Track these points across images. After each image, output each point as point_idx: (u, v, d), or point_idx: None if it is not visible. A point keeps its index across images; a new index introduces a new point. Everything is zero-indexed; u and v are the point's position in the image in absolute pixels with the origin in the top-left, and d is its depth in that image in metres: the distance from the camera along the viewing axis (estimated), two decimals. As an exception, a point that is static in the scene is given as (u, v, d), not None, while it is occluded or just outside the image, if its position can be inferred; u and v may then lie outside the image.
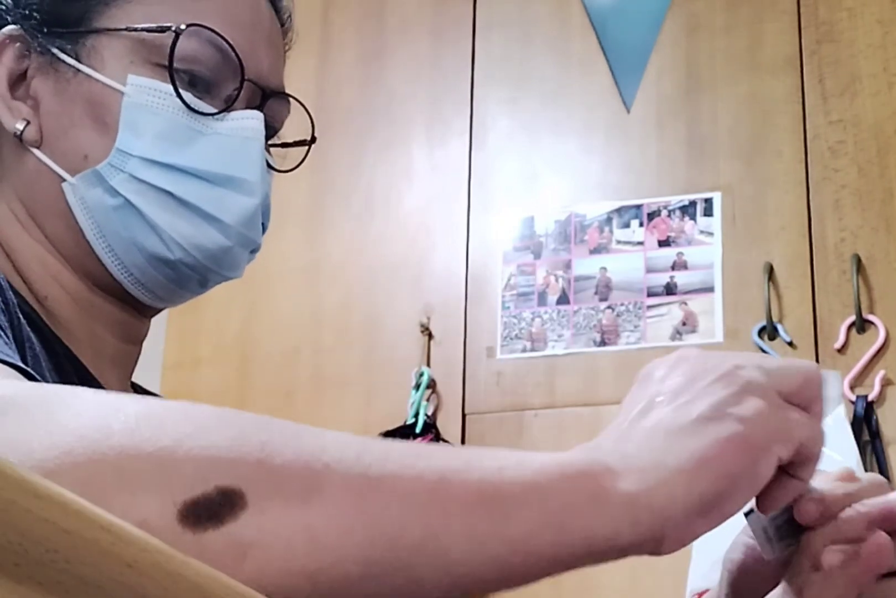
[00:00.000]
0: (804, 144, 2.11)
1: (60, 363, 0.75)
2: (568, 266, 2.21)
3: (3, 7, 0.83)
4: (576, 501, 0.48)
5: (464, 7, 2.45)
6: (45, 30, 0.81)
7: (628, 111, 2.26)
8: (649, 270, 2.15)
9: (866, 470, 1.87)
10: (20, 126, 0.80)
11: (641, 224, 2.18)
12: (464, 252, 2.29)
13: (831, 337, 1.99)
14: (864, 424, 1.91)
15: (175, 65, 0.80)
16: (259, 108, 0.84)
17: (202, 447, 0.44)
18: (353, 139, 2.45)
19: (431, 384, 2.20)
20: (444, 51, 2.44)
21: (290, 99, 0.88)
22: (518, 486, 0.47)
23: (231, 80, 0.82)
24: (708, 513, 0.51)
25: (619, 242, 2.19)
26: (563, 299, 2.18)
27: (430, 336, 2.24)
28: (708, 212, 2.15)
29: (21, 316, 0.72)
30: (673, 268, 2.14)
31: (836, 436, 1.86)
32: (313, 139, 0.93)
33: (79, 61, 0.80)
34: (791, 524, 0.63)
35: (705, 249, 2.13)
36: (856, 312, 1.97)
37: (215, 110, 0.81)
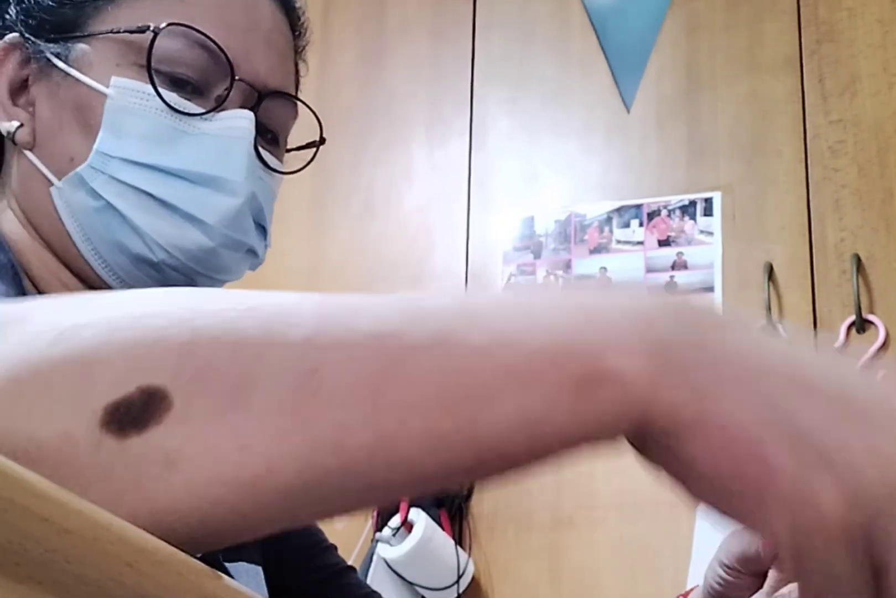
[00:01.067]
0: (804, 144, 2.11)
1: None
2: (568, 266, 2.21)
3: (7, 16, 0.84)
4: (561, 393, 0.38)
5: (464, 7, 2.45)
6: (42, 36, 0.82)
7: (628, 111, 2.26)
8: (649, 270, 2.15)
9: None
10: (12, 128, 0.81)
11: (641, 224, 2.18)
12: (464, 252, 2.29)
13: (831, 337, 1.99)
14: (864, 424, 1.91)
15: (156, 65, 0.80)
16: (254, 109, 0.83)
17: (126, 344, 0.40)
18: (353, 139, 2.45)
19: (431, 384, 2.20)
20: (444, 51, 2.44)
21: (297, 101, 0.87)
22: (494, 375, 0.39)
23: (222, 80, 0.82)
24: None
25: (619, 241, 2.19)
26: (563, 299, 2.18)
27: (430, 336, 2.24)
28: (708, 212, 2.15)
29: None
30: (673, 268, 2.14)
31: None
32: (322, 140, 0.92)
33: (69, 65, 0.81)
34: None
35: (705, 248, 2.13)
36: (856, 312, 1.97)
37: (202, 110, 0.81)
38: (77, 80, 0.80)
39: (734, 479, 0.36)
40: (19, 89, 0.83)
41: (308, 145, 0.92)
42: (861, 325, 1.97)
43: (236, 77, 0.82)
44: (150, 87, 0.79)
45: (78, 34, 0.81)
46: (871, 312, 1.98)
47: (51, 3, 0.82)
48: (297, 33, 0.90)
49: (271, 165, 0.86)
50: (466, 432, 0.38)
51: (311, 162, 0.91)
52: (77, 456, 0.38)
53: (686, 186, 2.18)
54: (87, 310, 0.42)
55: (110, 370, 0.39)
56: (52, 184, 0.80)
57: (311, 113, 0.90)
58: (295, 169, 0.90)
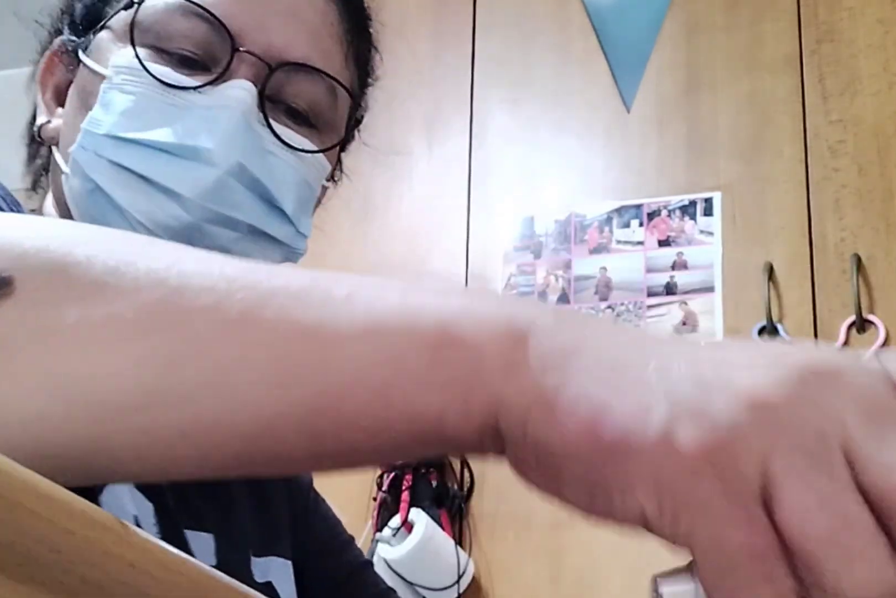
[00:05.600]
0: (804, 144, 2.11)
1: None
2: (568, 266, 2.21)
3: (54, 15, 0.84)
4: (414, 357, 0.37)
5: (464, 7, 2.45)
6: (77, 32, 0.82)
7: (628, 111, 2.26)
8: (649, 270, 2.15)
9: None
10: (39, 124, 0.81)
11: (641, 224, 2.18)
12: (464, 252, 2.29)
13: (831, 337, 1.99)
14: (864, 424, 1.91)
15: (151, 42, 0.77)
16: (265, 81, 0.78)
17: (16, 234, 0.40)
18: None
19: (431, 384, 2.20)
20: (444, 51, 2.44)
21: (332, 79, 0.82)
22: (355, 330, 0.38)
23: (227, 53, 0.78)
24: (544, 484, 0.38)
25: (619, 242, 2.19)
26: (563, 299, 2.18)
27: (430, 336, 2.24)
28: (708, 212, 2.15)
29: None
30: (673, 268, 2.14)
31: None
32: (360, 119, 0.87)
33: (88, 57, 0.80)
34: None
35: (705, 249, 2.13)
36: (856, 312, 1.97)
37: (197, 84, 0.77)
38: (89, 68, 0.79)
39: (595, 452, 0.35)
40: (65, 91, 0.82)
41: (348, 128, 0.88)
42: (861, 325, 1.97)
43: (240, 48, 0.77)
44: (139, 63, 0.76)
45: (99, 25, 0.80)
46: (871, 312, 1.98)
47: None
48: (356, 14, 0.87)
49: (291, 143, 0.80)
50: (312, 375, 0.37)
51: (346, 140, 0.86)
52: None
53: (686, 186, 2.18)
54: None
55: None
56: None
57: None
58: (324, 147, 0.84)
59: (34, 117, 0.86)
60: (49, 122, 0.81)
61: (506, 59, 2.39)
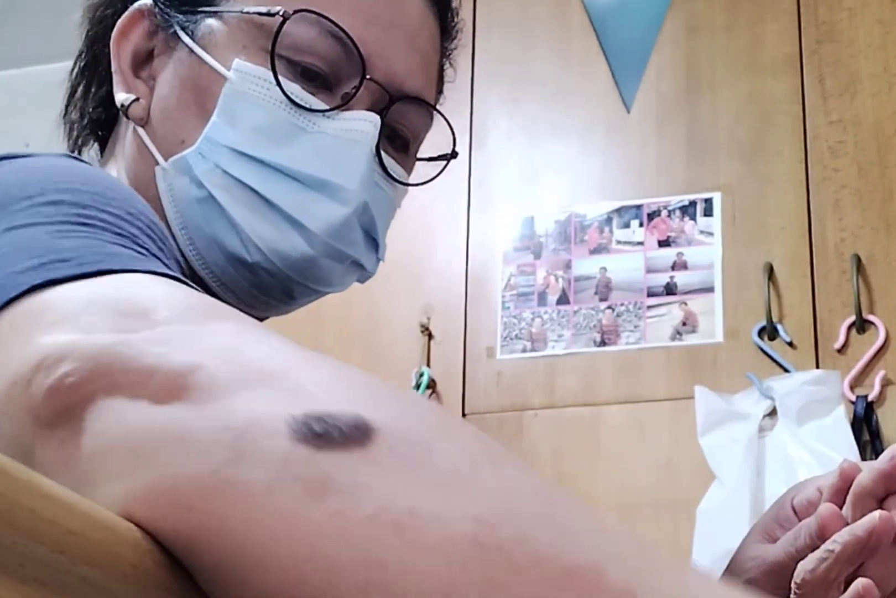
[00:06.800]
0: (804, 144, 2.11)
1: None
2: (568, 266, 2.21)
3: None
4: None
5: (464, 7, 2.44)
6: (173, 6, 0.78)
7: (628, 111, 2.26)
8: (649, 271, 2.15)
9: (866, 470, 1.87)
10: (127, 101, 0.77)
11: (641, 224, 2.18)
12: (464, 252, 2.29)
13: (831, 337, 1.99)
14: (864, 424, 1.91)
15: (284, 52, 0.74)
16: (382, 112, 0.77)
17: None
18: (353, 139, 2.45)
19: (431, 384, 2.20)
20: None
21: (433, 110, 0.81)
22: None
23: (353, 77, 0.76)
24: None
25: (619, 242, 2.19)
26: (563, 299, 2.18)
27: (430, 336, 2.24)
28: (708, 212, 2.15)
29: None
30: (673, 268, 2.14)
31: (836, 436, 1.86)
32: (454, 154, 0.87)
33: (194, 42, 0.76)
34: None
35: (705, 249, 2.13)
36: (856, 312, 1.97)
37: (325, 107, 0.75)
38: (200, 58, 0.76)
39: None
40: (144, 61, 0.78)
41: (438, 158, 0.87)
42: (861, 325, 1.97)
43: (368, 76, 0.76)
44: (272, 75, 0.74)
45: (209, 10, 0.77)
46: (871, 312, 1.98)
47: None
48: (446, 35, 0.85)
49: (394, 175, 0.80)
50: None
51: (439, 175, 0.85)
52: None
53: (686, 187, 2.18)
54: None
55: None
56: (157, 164, 0.75)
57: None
58: (419, 182, 0.84)
59: (87, 64, 0.82)
60: (137, 100, 0.77)
61: (506, 59, 2.39)
